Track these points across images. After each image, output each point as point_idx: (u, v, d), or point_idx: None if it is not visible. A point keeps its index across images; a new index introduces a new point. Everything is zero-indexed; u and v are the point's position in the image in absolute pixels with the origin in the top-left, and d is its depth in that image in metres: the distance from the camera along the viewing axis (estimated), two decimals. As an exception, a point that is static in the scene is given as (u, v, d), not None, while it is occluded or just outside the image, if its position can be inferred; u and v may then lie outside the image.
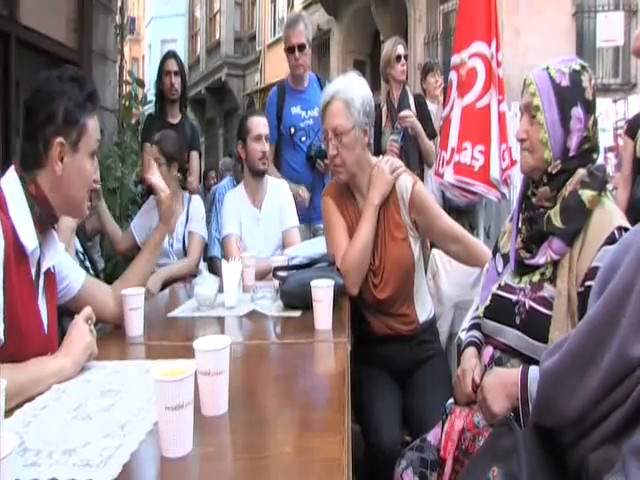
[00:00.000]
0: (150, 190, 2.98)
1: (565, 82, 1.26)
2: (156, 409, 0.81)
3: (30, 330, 1.18)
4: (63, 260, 1.40)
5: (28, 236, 1.18)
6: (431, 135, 3.34)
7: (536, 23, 7.79)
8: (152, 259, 1.66)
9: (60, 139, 1.22)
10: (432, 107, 3.69)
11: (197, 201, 2.81)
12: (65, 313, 1.53)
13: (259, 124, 2.58)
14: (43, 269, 1.25)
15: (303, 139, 3.03)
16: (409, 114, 3.19)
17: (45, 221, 1.25)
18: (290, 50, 3.01)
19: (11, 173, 1.24)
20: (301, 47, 2.99)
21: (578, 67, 1.28)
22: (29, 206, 1.21)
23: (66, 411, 0.97)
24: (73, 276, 1.42)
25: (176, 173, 2.72)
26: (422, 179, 2.92)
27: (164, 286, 2.42)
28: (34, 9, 3.94)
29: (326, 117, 1.84)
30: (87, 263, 1.82)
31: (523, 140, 1.32)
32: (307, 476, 0.78)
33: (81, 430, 0.89)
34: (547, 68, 1.28)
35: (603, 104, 5.51)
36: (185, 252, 2.71)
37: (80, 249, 1.72)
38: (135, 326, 1.46)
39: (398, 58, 3.27)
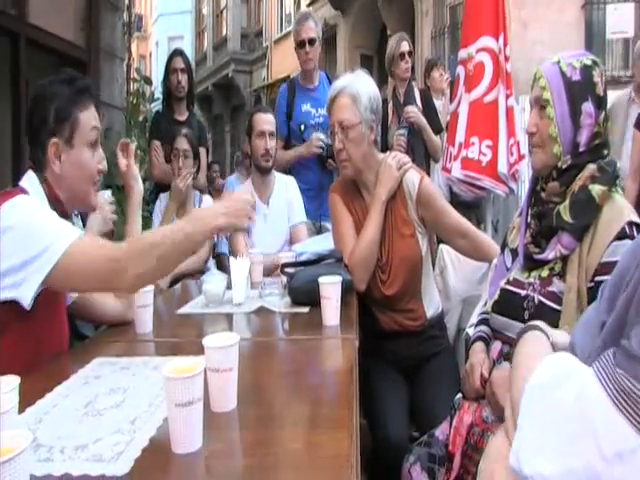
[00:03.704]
0: (160, 187, 3.02)
1: (576, 77, 1.25)
2: (166, 405, 0.82)
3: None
4: None
5: None
6: (437, 130, 3.33)
7: (544, 15, 7.72)
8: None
9: (54, 139, 1.28)
10: (437, 103, 3.67)
11: (207, 202, 2.88)
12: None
13: (263, 121, 2.59)
14: None
15: None
16: (414, 109, 3.18)
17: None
18: (300, 45, 3.01)
19: (30, 174, 1.31)
20: (311, 41, 3.00)
21: (589, 62, 1.26)
22: (49, 203, 1.28)
23: (76, 408, 0.98)
24: None
25: (193, 170, 2.79)
26: (428, 174, 2.92)
27: (173, 282, 2.44)
28: (43, 9, 3.96)
29: (332, 111, 1.84)
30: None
31: (533, 134, 1.31)
32: (316, 472, 0.78)
33: (92, 426, 0.90)
34: (558, 62, 1.27)
35: (612, 97, 5.47)
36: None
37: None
38: (144, 323, 1.47)
39: (402, 56, 3.25)
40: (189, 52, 15.51)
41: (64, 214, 1.31)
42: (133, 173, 1.68)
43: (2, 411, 0.76)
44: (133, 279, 1.13)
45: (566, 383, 0.66)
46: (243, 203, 1.26)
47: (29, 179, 1.31)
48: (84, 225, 1.76)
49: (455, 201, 3.18)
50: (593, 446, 0.59)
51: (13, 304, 1.10)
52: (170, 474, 0.80)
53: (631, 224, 1.18)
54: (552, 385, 0.67)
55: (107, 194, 1.77)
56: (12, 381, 0.86)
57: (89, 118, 1.33)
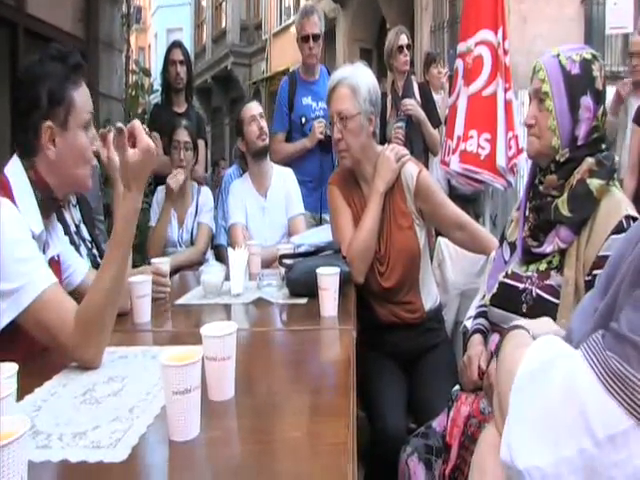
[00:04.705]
0: (158, 179, 3.02)
1: (575, 70, 1.25)
2: (164, 394, 0.83)
3: None
4: (67, 250, 1.41)
5: (33, 221, 1.20)
6: (436, 124, 3.33)
7: (544, 10, 7.70)
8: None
9: (48, 123, 1.20)
10: (437, 97, 3.67)
11: (206, 193, 2.89)
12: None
13: (250, 108, 2.61)
14: (48, 256, 1.26)
15: None
16: (411, 102, 3.17)
17: (47, 206, 1.26)
18: (304, 39, 3.02)
19: (15, 160, 1.24)
20: (316, 37, 3.02)
21: (589, 56, 1.26)
22: (33, 191, 1.22)
23: (74, 396, 0.98)
24: (76, 267, 1.42)
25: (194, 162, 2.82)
26: (427, 167, 2.92)
27: (171, 273, 2.45)
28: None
29: (331, 101, 1.84)
30: (95, 251, 1.84)
31: (531, 126, 1.32)
32: (313, 460, 0.79)
33: (90, 414, 0.91)
34: (558, 55, 1.27)
35: (612, 92, 5.46)
36: (193, 243, 2.78)
37: (88, 237, 1.73)
38: (143, 313, 1.47)
39: (400, 49, 3.25)
40: (188, 44, 15.43)
41: (52, 201, 1.28)
42: (114, 165, 1.54)
43: (0, 396, 0.77)
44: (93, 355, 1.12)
45: (554, 368, 0.65)
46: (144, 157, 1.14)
47: (13, 166, 1.23)
48: (82, 216, 1.75)
49: (453, 194, 3.18)
50: (584, 430, 0.59)
51: None
52: (168, 461, 0.80)
53: (629, 218, 1.19)
54: (540, 371, 0.67)
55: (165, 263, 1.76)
56: (11, 368, 0.86)
57: (83, 99, 1.25)
